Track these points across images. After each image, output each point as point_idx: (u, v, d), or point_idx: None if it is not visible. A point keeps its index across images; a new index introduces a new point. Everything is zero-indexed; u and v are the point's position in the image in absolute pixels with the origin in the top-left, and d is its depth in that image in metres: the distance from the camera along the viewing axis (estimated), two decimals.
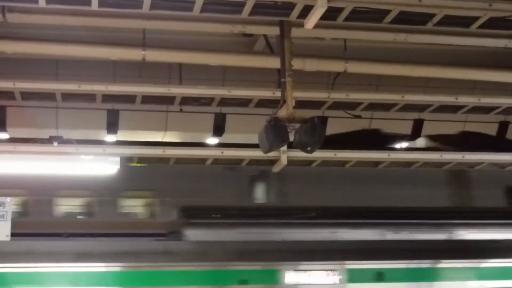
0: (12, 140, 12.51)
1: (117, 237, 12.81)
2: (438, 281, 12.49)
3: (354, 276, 12.11)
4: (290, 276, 11.88)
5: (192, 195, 13.76)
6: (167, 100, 11.90)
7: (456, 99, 12.20)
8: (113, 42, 10.83)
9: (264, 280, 11.70)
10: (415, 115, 14.39)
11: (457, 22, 9.44)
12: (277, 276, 11.81)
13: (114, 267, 10.98)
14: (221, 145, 13.92)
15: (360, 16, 9.16)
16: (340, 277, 11.97)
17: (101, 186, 13.46)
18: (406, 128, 14.98)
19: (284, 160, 11.28)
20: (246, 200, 14.57)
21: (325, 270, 11.97)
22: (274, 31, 9.90)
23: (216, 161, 12.26)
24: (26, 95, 11.48)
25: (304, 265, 12.01)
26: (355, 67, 11.46)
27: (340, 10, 8.91)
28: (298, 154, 10.32)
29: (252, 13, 8.98)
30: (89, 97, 11.61)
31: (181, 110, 13.10)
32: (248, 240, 12.40)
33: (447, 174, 15.01)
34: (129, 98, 11.77)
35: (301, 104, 10.53)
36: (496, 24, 9.48)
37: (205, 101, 11.93)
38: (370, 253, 12.27)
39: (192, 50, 11.08)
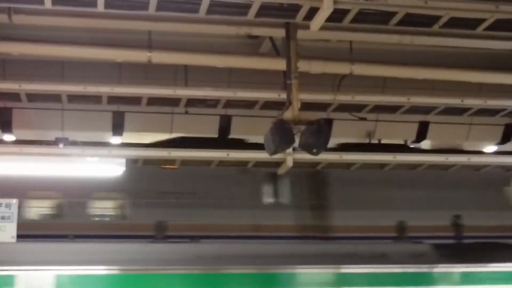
0: (18, 142, 12.53)
1: None
2: None
3: None
4: None
5: None
6: (173, 102, 11.92)
7: (462, 101, 12.19)
8: (119, 44, 10.82)
9: None
10: (421, 117, 14.37)
11: (463, 24, 9.44)
12: None
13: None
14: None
15: (366, 18, 9.17)
16: None
17: None
18: (411, 130, 14.97)
19: (289, 162, 11.26)
20: None
21: None
22: (280, 33, 9.91)
23: (222, 163, 12.26)
24: (32, 97, 11.51)
25: None
26: (360, 69, 11.43)
27: (346, 12, 8.91)
28: (304, 156, 10.30)
29: (258, 15, 8.98)
30: (95, 98, 11.64)
31: (186, 112, 13.11)
32: None
33: None
34: (135, 100, 11.79)
35: (306, 106, 10.53)
36: (502, 26, 9.48)
37: (210, 103, 11.94)
38: None
39: (197, 52, 11.06)
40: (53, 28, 10.17)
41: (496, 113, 12.90)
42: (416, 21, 9.33)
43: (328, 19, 8.60)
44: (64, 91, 11.27)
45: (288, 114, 9.62)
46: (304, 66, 10.35)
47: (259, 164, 12.34)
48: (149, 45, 10.61)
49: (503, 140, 15.34)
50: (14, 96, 11.45)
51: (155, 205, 13.97)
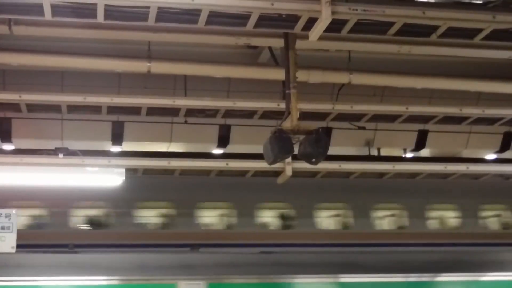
0: (18, 151, 12.56)
1: None
2: None
3: None
4: None
5: None
6: (172, 111, 11.94)
7: (460, 110, 12.22)
8: (118, 54, 10.87)
9: None
10: (420, 126, 14.42)
11: (461, 34, 9.45)
12: None
13: None
14: (225, 156, 13.96)
15: (364, 28, 9.17)
16: None
17: None
18: (411, 139, 15.02)
19: (288, 172, 11.29)
20: None
21: None
22: (278, 43, 9.93)
23: (221, 172, 12.29)
24: (32, 107, 11.54)
25: None
26: (359, 79, 11.46)
27: (344, 22, 8.93)
28: (303, 165, 10.32)
29: (257, 25, 8.99)
30: (95, 108, 11.67)
31: (186, 122, 13.15)
32: None
33: None
34: (135, 110, 11.82)
35: (305, 115, 10.56)
36: (499, 36, 9.50)
37: (210, 113, 11.97)
38: None
39: (197, 62, 11.10)
40: (53, 39, 10.19)
41: (494, 121, 12.93)
42: (414, 31, 9.34)
43: (327, 29, 8.62)
44: (64, 101, 11.29)
45: (287, 124, 9.63)
46: (303, 75, 10.38)
47: (258, 173, 12.36)
48: (149, 56, 10.65)
49: (502, 149, 15.40)
50: (14, 106, 11.48)
51: None
